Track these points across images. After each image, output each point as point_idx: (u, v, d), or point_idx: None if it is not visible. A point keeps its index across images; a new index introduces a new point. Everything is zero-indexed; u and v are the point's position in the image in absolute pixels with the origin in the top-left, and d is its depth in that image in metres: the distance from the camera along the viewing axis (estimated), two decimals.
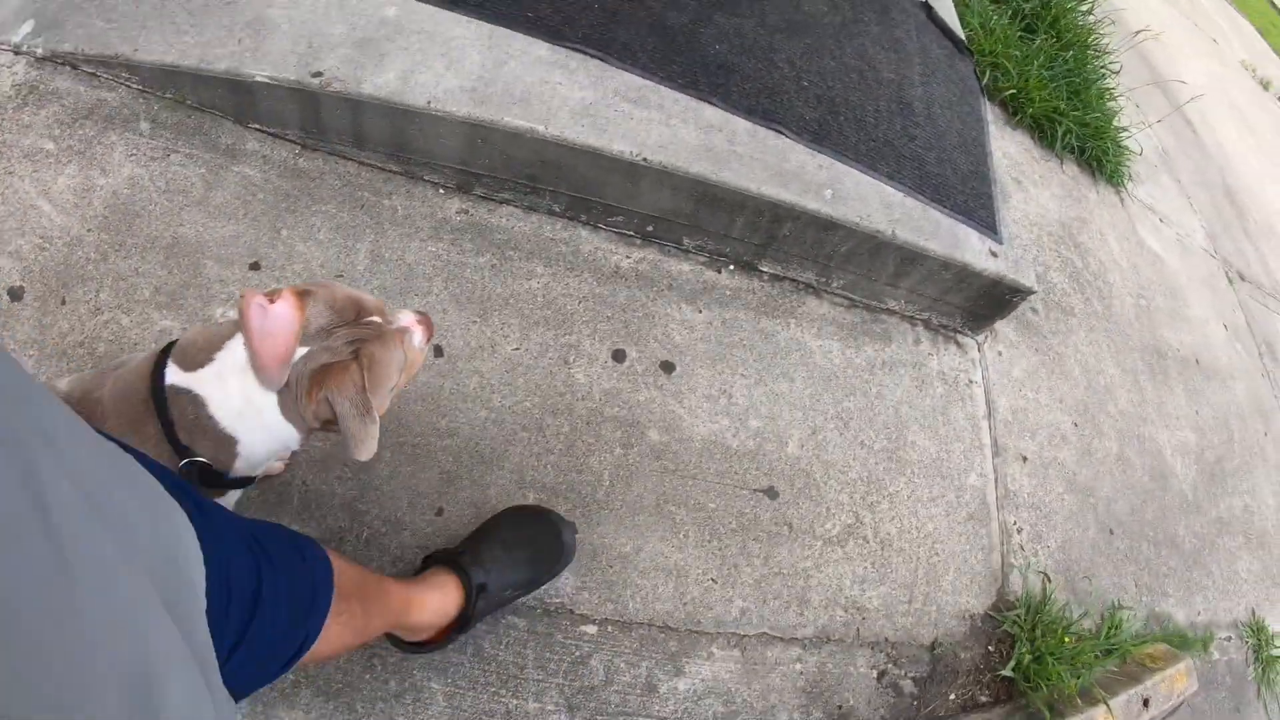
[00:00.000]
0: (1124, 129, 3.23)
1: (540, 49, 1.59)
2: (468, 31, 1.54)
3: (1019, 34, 3.22)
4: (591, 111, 1.53)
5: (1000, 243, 1.87)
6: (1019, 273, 1.84)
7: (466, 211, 1.57)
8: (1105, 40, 3.56)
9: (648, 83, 1.65)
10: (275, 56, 1.38)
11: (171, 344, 0.76)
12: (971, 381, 1.94)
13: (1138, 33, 3.76)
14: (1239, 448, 2.61)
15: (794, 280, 1.81)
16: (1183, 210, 3.45)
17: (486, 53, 1.51)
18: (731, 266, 1.77)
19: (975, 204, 1.90)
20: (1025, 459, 1.92)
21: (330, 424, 0.77)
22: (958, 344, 1.98)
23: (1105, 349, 2.42)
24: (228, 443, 0.75)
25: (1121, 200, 3.15)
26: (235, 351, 0.74)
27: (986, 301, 1.89)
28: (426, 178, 1.56)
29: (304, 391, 0.74)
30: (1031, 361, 2.15)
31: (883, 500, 1.64)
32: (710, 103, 1.67)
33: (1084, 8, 3.60)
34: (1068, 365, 2.25)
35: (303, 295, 0.73)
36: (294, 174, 1.46)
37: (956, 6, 2.88)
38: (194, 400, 0.73)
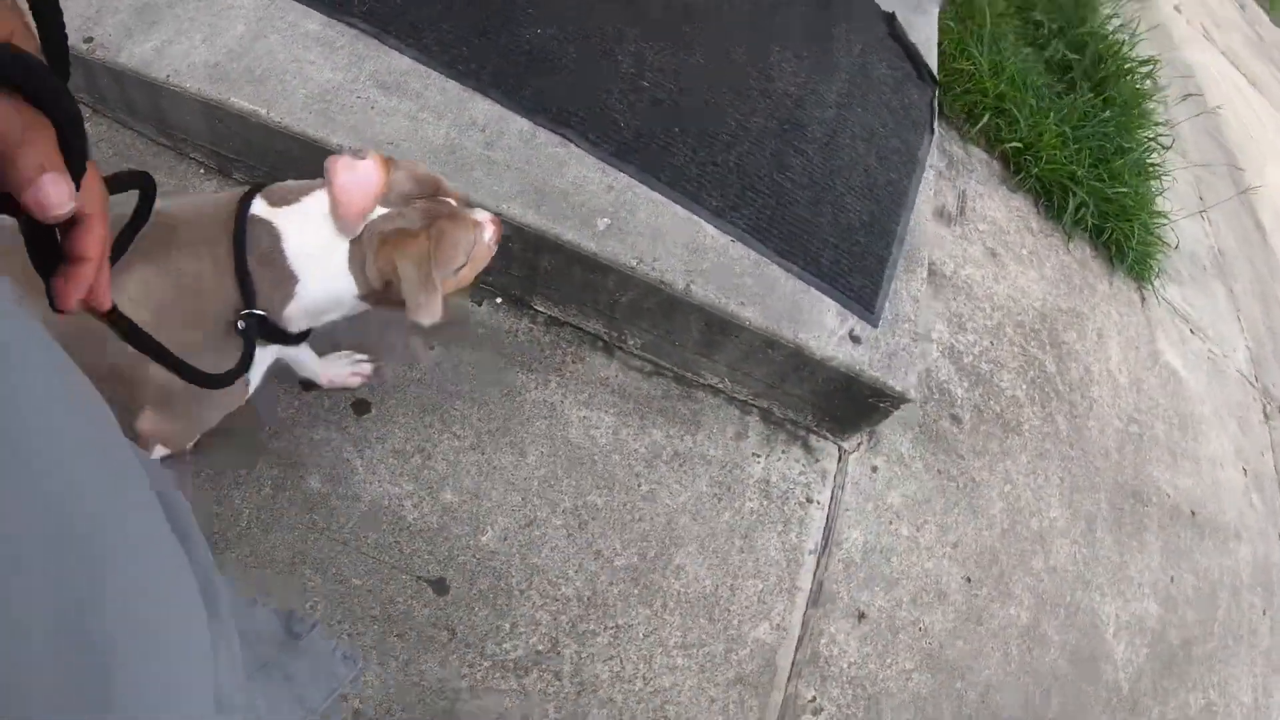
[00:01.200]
0: (1162, 214, 2.62)
1: (313, 22, 1.36)
2: (249, 0, 1.33)
3: (1050, 82, 2.67)
4: (329, 97, 1.26)
5: (873, 325, 1.40)
6: (890, 370, 1.37)
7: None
8: (1162, 107, 2.95)
9: (418, 67, 1.32)
10: (66, 16, 1.19)
11: (260, 185, 0.80)
12: (810, 500, 1.46)
13: (1216, 108, 3.10)
14: (1221, 628, 1.98)
15: (578, 329, 1.40)
16: (1226, 324, 2.78)
17: (254, 24, 1.33)
18: (499, 299, 1.38)
19: (852, 268, 1.43)
20: (863, 616, 1.43)
21: (388, 289, 0.80)
22: (807, 447, 1.51)
23: (1054, 483, 1.87)
24: (288, 280, 0.77)
25: (1143, 299, 2.54)
26: (320, 199, 0.79)
27: (842, 400, 1.42)
28: (191, 155, 1.43)
29: (374, 248, 0.77)
30: (924, 486, 1.64)
31: (602, 631, 1.20)
32: (488, 96, 1.30)
33: (1144, 68, 2.99)
34: (984, 498, 1.72)
35: (388, 161, 0.81)
36: None
37: (963, 36, 2.39)
38: (271, 232, 0.76)
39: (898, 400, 1.39)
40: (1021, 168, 2.38)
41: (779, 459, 1.47)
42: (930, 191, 1.70)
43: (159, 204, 0.68)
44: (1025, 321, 2.09)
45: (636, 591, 1.25)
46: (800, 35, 1.73)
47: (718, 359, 1.38)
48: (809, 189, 1.47)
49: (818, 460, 1.51)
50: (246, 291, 0.74)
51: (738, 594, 1.32)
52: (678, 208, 1.30)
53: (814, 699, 1.32)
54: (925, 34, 2.03)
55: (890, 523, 1.55)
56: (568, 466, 1.29)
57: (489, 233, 0.89)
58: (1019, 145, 2.36)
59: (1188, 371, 2.45)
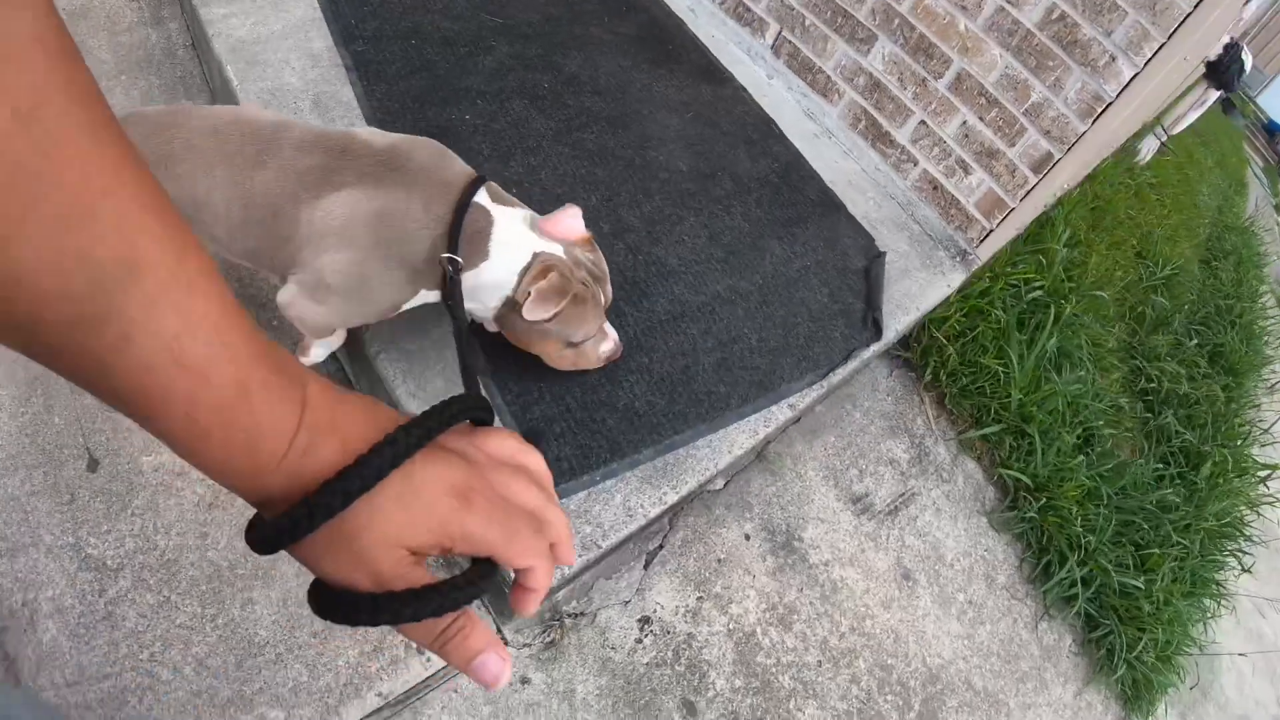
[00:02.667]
0: (1194, 640, 2.06)
1: None
2: None
3: (1118, 419, 2.26)
4: None
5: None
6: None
7: None
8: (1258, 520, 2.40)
9: None
10: None
11: (483, 179, 0.95)
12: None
13: None
14: None
15: None
16: None
17: None
18: None
19: None
20: None
21: (514, 312, 0.96)
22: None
23: None
24: (479, 256, 0.93)
25: None
26: (529, 213, 0.98)
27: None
28: None
29: (536, 267, 0.93)
30: None
31: None
32: None
33: (1260, 472, 2.47)
34: None
35: (591, 239, 1.03)
36: None
37: (1003, 328, 2.10)
38: (487, 217, 0.93)
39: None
40: (1018, 505, 1.98)
41: None
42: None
43: (386, 138, 0.93)
44: (896, 669, 1.65)
45: None
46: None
47: None
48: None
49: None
50: (453, 245, 0.88)
51: None
52: None
53: None
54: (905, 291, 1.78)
55: None
56: None
57: (607, 347, 1.10)
58: (1025, 480, 1.98)
59: None
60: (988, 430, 1.98)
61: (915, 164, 1.93)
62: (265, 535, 0.27)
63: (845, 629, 1.58)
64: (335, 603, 0.28)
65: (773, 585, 1.52)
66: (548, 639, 1.15)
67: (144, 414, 0.23)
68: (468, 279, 0.93)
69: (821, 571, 1.61)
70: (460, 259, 0.88)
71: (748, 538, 1.55)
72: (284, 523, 0.26)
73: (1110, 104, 1.56)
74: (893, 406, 1.97)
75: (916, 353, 2.02)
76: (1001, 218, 1.80)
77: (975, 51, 1.72)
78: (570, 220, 0.99)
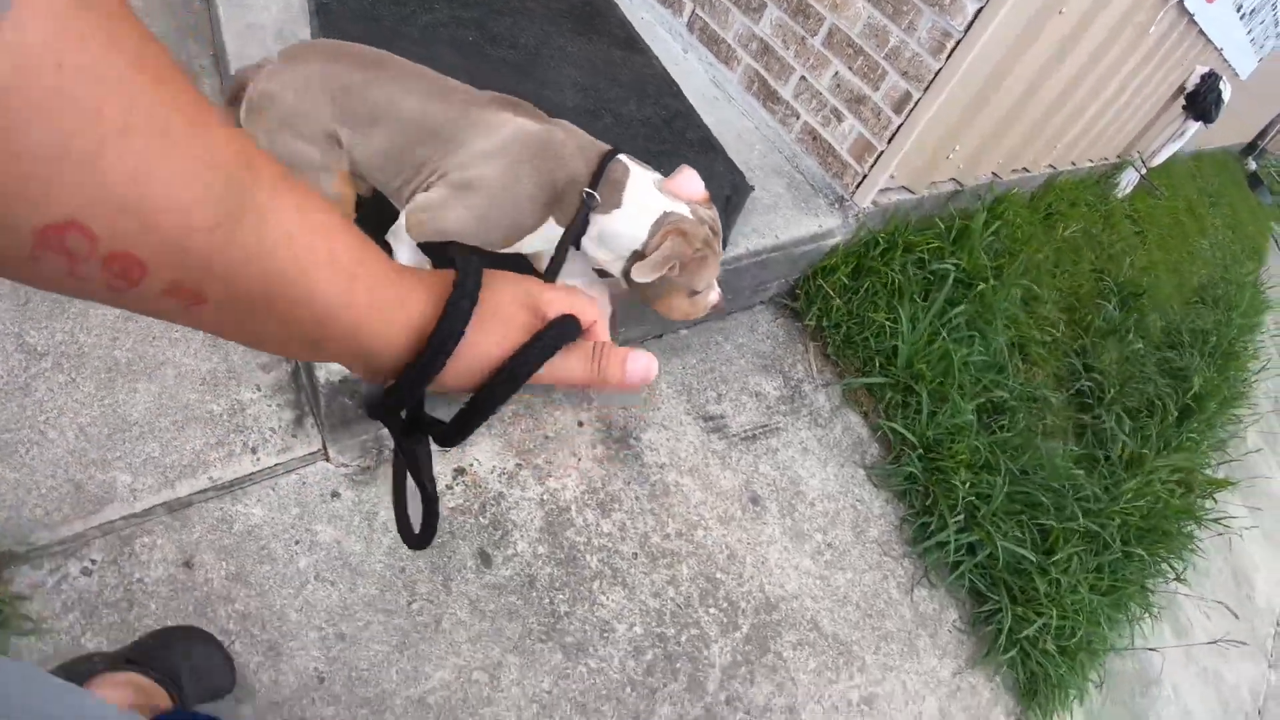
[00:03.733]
0: (1116, 650, 1.90)
1: None
2: None
3: (1036, 385, 2.17)
4: None
5: None
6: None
7: None
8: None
9: None
10: None
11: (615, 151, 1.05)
12: (251, 449, 1.18)
13: None
14: None
15: None
16: None
17: None
18: None
19: None
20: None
21: (637, 261, 1.03)
22: (299, 422, 1.24)
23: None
24: (613, 204, 1.01)
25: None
26: (658, 176, 1.06)
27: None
28: None
29: (664, 225, 1.01)
30: (369, 566, 1.25)
31: None
32: None
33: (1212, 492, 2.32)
34: (436, 650, 1.25)
35: (709, 199, 1.09)
36: None
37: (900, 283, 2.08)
38: (626, 172, 1.02)
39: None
40: (901, 461, 1.91)
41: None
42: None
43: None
44: (725, 585, 1.56)
45: None
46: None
47: None
48: None
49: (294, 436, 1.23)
50: (594, 183, 0.99)
51: None
52: None
53: None
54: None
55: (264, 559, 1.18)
56: None
57: (714, 297, 1.15)
58: (909, 436, 1.92)
59: None
60: (872, 380, 1.94)
61: (798, 117, 1.99)
62: (410, 377, 0.32)
63: (671, 532, 1.53)
64: (477, 400, 0.34)
65: (598, 471, 1.49)
66: (365, 464, 1.21)
67: (284, 292, 0.27)
68: (599, 223, 1.02)
69: (655, 472, 1.58)
70: (598, 197, 0.99)
71: (580, 424, 1.55)
72: (428, 354, 0.31)
73: (960, 40, 1.61)
74: (771, 349, 1.96)
75: (803, 302, 2.02)
76: (872, 161, 1.83)
77: (844, 6, 1.81)
78: (691, 181, 1.06)
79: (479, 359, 0.33)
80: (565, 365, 0.36)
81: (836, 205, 1.94)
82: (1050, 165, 2.97)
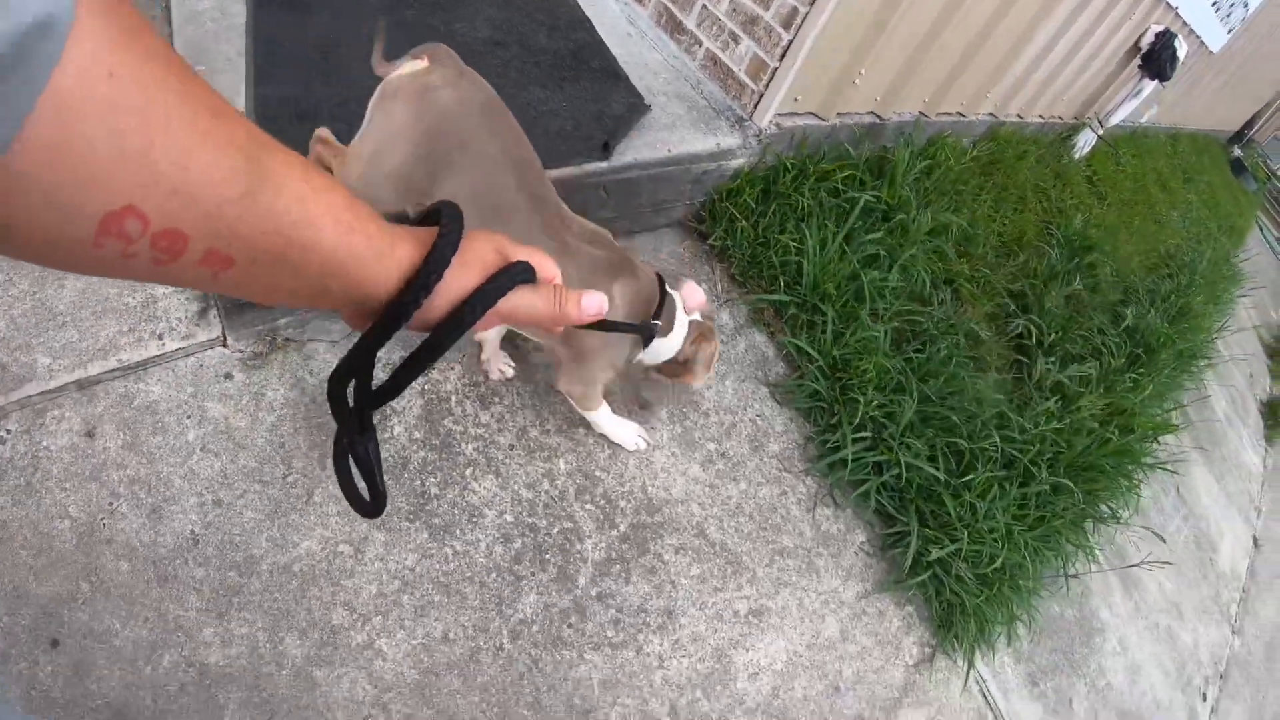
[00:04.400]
0: (1046, 591, 1.81)
1: None
2: None
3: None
4: None
5: None
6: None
7: None
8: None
9: None
10: None
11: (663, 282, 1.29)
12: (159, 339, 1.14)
13: None
14: None
15: None
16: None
17: None
18: None
19: None
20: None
21: (677, 363, 1.33)
22: (203, 314, 1.20)
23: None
24: (668, 327, 1.27)
25: (924, 650, 1.71)
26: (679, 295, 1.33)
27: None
28: None
29: (694, 334, 1.32)
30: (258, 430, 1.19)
31: None
32: None
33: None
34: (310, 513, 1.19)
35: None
36: None
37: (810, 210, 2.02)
38: (673, 304, 1.28)
39: None
40: (807, 376, 1.85)
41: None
42: None
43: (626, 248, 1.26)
44: (605, 483, 1.50)
45: None
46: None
47: None
48: None
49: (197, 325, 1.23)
50: (657, 316, 1.22)
51: None
52: None
53: None
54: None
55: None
56: None
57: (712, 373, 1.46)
58: (813, 354, 1.85)
59: None
60: (777, 297, 1.88)
61: (700, 45, 1.96)
62: (393, 310, 0.37)
63: (552, 428, 1.48)
64: (451, 319, 0.39)
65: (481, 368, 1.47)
66: (258, 350, 1.25)
67: (298, 245, 0.31)
68: (658, 343, 1.26)
69: (541, 372, 1.53)
70: (659, 325, 1.23)
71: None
72: (411, 291, 0.36)
73: None
74: (675, 268, 1.90)
75: (709, 223, 1.97)
76: (766, 79, 1.80)
77: None
78: (696, 293, 1.32)
79: (456, 299, 0.39)
80: (530, 303, 0.42)
81: (736, 125, 1.90)
82: (990, 114, 2.92)
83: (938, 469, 1.81)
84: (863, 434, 1.78)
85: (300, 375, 1.25)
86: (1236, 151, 7.93)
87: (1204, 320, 3.41)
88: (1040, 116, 3.35)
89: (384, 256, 0.36)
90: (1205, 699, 2.66)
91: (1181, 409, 3.12)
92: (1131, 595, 2.55)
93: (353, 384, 0.42)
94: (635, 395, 1.65)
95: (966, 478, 1.84)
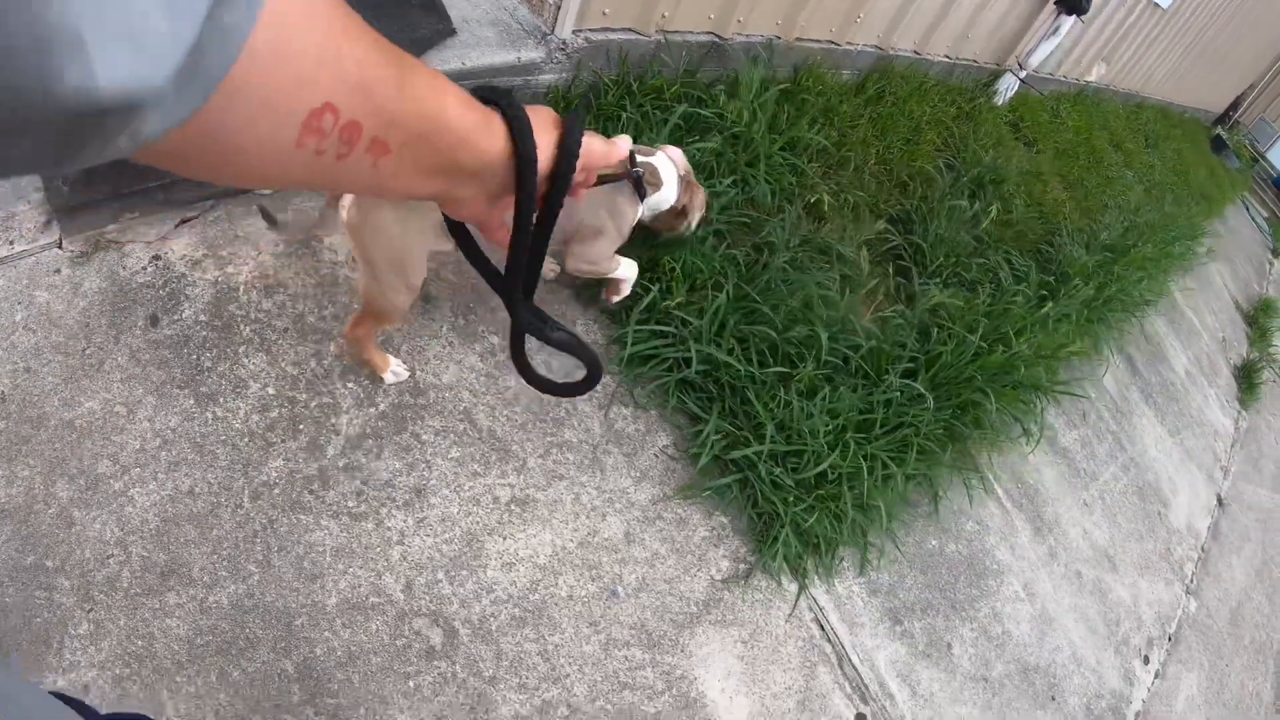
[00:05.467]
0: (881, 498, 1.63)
1: None
2: None
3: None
4: None
5: None
6: None
7: None
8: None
9: None
10: None
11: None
12: None
13: None
14: None
15: None
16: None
17: None
18: None
19: None
20: None
21: (674, 213, 1.52)
22: None
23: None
24: (653, 176, 1.44)
25: (743, 567, 1.53)
26: (665, 155, 1.50)
27: None
28: None
29: (687, 184, 1.50)
30: None
31: None
32: None
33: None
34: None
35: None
36: None
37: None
38: (665, 162, 1.47)
39: None
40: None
41: None
42: None
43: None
44: (355, 372, 1.36)
45: None
46: None
47: None
48: None
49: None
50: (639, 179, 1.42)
51: None
52: None
53: None
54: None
55: None
56: None
57: (698, 216, 1.60)
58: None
59: None
60: None
61: None
62: (526, 153, 0.41)
63: (328, 315, 1.44)
64: (559, 167, 0.44)
65: (273, 264, 1.46)
66: (85, 250, 1.34)
67: (436, 123, 0.36)
68: (654, 195, 1.45)
69: (327, 267, 1.50)
70: (642, 171, 1.41)
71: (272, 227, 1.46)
72: (526, 144, 0.41)
73: None
74: None
75: None
76: None
77: None
78: (676, 152, 1.51)
79: (550, 156, 0.43)
80: (589, 143, 0.46)
81: (540, 41, 1.82)
82: (875, 45, 2.80)
83: (752, 367, 1.63)
84: (664, 328, 1.62)
85: (115, 270, 1.33)
86: (1219, 131, 7.66)
87: (1141, 261, 3.18)
88: (947, 56, 3.21)
89: (490, 126, 0.40)
90: (1147, 661, 2.37)
91: (1110, 347, 2.88)
92: (1044, 539, 2.30)
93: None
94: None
95: (792, 377, 1.66)
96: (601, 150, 0.48)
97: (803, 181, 2.20)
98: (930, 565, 1.91)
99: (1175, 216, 4.20)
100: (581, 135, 0.44)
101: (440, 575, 1.25)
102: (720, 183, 1.92)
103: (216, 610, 1.09)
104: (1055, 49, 3.48)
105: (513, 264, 0.45)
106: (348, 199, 1.15)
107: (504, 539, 1.34)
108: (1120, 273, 2.91)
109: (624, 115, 1.89)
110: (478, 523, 1.34)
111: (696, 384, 1.64)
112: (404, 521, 1.28)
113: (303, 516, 1.21)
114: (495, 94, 0.42)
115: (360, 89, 0.30)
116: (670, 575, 1.47)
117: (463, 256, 0.52)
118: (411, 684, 1.15)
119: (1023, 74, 3.51)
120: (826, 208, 2.20)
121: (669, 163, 1.47)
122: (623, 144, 0.50)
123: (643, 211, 1.46)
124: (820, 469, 1.60)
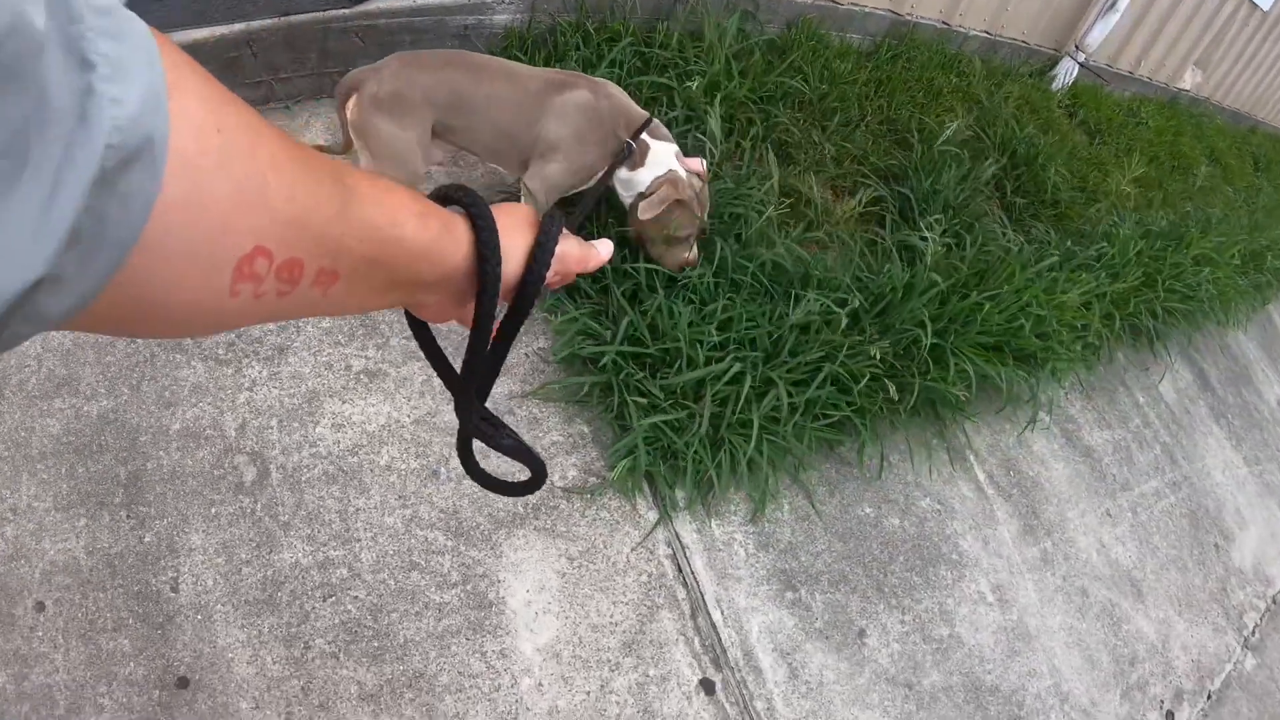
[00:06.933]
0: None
1: None
2: None
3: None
4: None
5: None
6: None
7: None
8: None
9: None
10: None
11: (652, 118, 1.45)
12: None
13: None
14: None
15: None
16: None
17: None
18: None
19: None
20: None
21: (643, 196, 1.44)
22: None
23: None
24: (638, 163, 1.42)
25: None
26: (677, 150, 1.47)
27: None
28: None
29: (662, 179, 1.42)
30: None
31: None
32: None
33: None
34: None
35: (705, 173, 1.53)
36: None
37: None
38: (647, 147, 1.43)
39: None
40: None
41: None
42: None
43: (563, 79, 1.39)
44: None
45: None
46: None
47: None
48: None
49: None
50: (629, 148, 1.40)
51: None
52: None
53: None
54: None
55: None
56: None
57: (687, 257, 1.53)
58: None
59: None
60: None
61: None
62: (489, 270, 0.39)
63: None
64: (529, 274, 0.42)
65: None
66: None
67: (388, 243, 0.34)
68: (624, 173, 1.41)
69: None
70: (635, 154, 1.40)
71: None
72: (490, 258, 0.39)
73: None
74: None
75: None
76: None
77: None
78: (698, 163, 1.47)
79: (520, 260, 0.41)
80: (565, 248, 0.44)
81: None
82: (889, 9, 2.61)
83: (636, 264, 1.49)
84: None
85: None
86: None
87: (1207, 253, 2.72)
88: (986, 32, 2.96)
89: (453, 233, 0.37)
90: (1170, 718, 1.90)
91: (1168, 351, 2.46)
92: (1037, 540, 1.93)
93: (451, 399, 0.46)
94: None
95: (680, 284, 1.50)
96: (578, 256, 0.45)
97: (774, 126, 2.05)
98: (856, 535, 1.64)
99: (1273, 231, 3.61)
100: (555, 244, 0.41)
101: (273, 422, 1.28)
102: (668, 113, 1.82)
103: (85, 418, 1.19)
104: (1113, 29, 3.13)
105: (468, 370, 0.43)
106: (352, 100, 1.25)
107: (343, 403, 1.34)
108: (1176, 260, 2.49)
109: (574, 55, 1.85)
110: (324, 384, 1.35)
111: (584, 288, 1.51)
112: (259, 373, 1.33)
113: (178, 355, 1.31)
114: (458, 193, 0.39)
115: (294, 224, 0.27)
116: (503, 470, 1.32)
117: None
118: (214, 510, 1.18)
119: (1081, 58, 3.18)
120: (795, 158, 2.03)
121: (669, 161, 1.41)
122: (603, 249, 0.48)
123: (613, 179, 1.42)
124: (688, 378, 1.41)
